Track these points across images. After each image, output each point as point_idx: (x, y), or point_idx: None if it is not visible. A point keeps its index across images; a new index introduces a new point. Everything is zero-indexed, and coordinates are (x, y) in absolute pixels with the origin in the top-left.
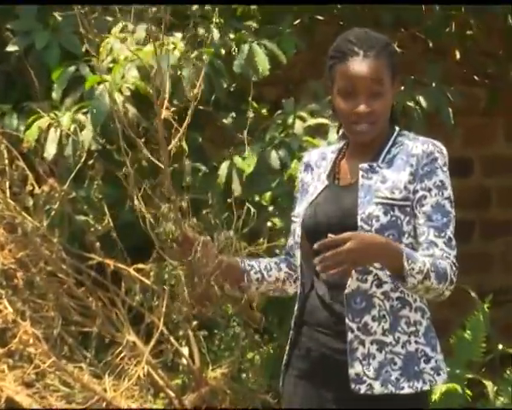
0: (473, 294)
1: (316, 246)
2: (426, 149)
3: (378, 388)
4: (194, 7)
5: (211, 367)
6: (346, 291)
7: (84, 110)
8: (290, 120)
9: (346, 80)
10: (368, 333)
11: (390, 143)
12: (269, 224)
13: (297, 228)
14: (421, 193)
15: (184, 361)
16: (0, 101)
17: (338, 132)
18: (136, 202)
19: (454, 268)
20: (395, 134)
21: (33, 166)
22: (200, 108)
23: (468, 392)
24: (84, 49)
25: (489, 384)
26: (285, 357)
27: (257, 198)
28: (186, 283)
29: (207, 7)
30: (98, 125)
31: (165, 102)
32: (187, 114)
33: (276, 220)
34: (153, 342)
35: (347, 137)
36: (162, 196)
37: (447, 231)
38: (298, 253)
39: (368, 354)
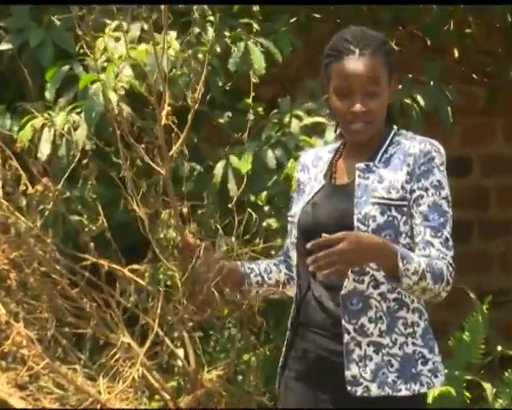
0: (472, 295)
1: (309, 246)
2: (423, 149)
3: (375, 390)
4: (195, 7)
5: (206, 369)
6: (343, 292)
7: (78, 110)
8: (286, 119)
9: (342, 79)
10: (364, 335)
11: (387, 142)
12: (264, 224)
13: (293, 228)
14: (417, 193)
15: (180, 363)
16: None
17: (336, 131)
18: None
19: (451, 269)
20: (392, 133)
21: (27, 166)
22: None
23: (467, 394)
24: (77, 48)
25: (488, 387)
26: (281, 359)
27: (252, 198)
28: (186, 288)
29: (205, 6)
30: (92, 124)
31: (166, 106)
32: (183, 114)
33: (272, 221)
34: (148, 344)
35: (344, 137)
36: (157, 196)
37: (444, 231)
38: (294, 253)
39: (364, 355)
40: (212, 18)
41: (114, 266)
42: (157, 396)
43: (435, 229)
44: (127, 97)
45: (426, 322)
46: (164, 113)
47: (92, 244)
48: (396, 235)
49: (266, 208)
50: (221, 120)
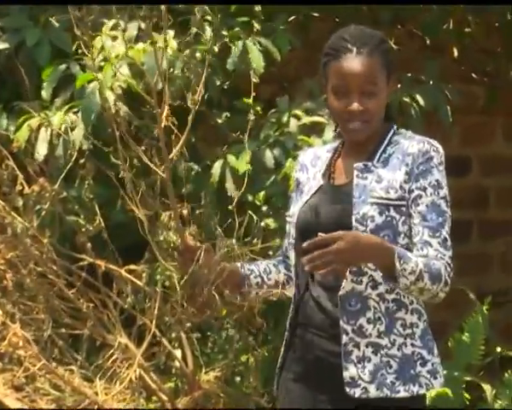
0: (471, 295)
1: (305, 245)
2: (421, 148)
3: (373, 391)
4: (196, 8)
5: (204, 370)
6: (341, 293)
7: (75, 109)
8: (285, 119)
9: (339, 78)
10: (363, 335)
11: (386, 142)
12: (262, 224)
13: (291, 228)
14: (416, 192)
15: (177, 364)
16: None
17: (335, 131)
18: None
19: (449, 269)
20: (391, 133)
21: (23, 165)
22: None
23: (467, 395)
24: (74, 47)
25: (487, 388)
26: (280, 359)
27: (250, 198)
28: (185, 290)
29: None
30: (89, 124)
31: (166, 108)
32: (181, 113)
33: (270, 221)
34: (145, 345)
35: (343, 136)
36: (155, 195)
37: (442, 231)
38: (292, 253)
39: (363, 356)
40: (209, 17)
41: (111, 266)
42: (154, 397)
43: (433, 229)
44: (124, 96)
45: (425, 323)
46: (164, 115)
47: (89, 245)
48: (394, 235)
49: (264, 208)
50: (219, 120)
